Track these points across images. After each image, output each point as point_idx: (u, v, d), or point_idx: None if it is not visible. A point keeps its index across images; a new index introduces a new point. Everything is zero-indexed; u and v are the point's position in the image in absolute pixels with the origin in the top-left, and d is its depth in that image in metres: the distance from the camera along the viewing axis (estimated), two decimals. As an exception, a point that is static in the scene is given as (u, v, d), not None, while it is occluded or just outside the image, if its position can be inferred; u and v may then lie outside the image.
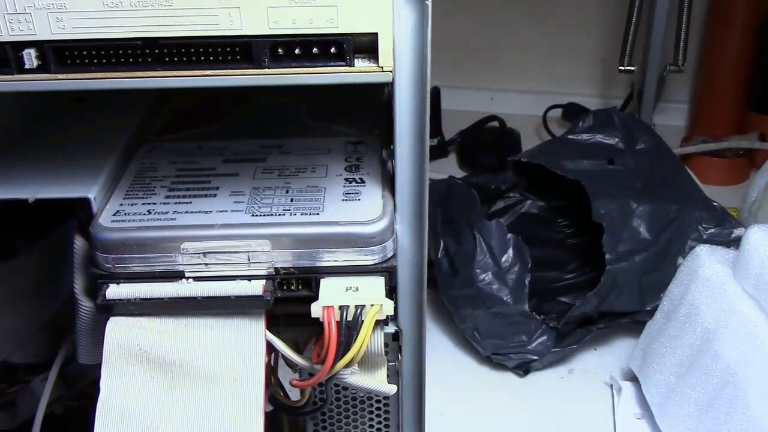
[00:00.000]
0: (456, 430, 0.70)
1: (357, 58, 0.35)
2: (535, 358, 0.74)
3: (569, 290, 0.82)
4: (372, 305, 0.38)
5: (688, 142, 1.10)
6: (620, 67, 1.04)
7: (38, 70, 0.34)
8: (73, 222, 0.42)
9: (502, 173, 0.90)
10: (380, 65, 0.35)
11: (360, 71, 0.35)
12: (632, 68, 1.03)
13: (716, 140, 1.08)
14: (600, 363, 0.77)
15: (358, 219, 0.39)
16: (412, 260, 0.42)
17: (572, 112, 1.19)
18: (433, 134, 1.14)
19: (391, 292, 0.41)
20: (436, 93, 1.14)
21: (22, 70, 0.34)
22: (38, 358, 0.56)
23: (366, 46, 0.34)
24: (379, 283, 0.40)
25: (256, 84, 0.35)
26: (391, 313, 0.39)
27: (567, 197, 0.88)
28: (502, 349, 0.74)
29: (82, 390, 0.58)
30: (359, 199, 0.41)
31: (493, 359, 0.75)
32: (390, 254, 0.40)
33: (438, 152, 1.15)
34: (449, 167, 1.10)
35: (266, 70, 0.35)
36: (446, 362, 0.77)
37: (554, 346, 0.74)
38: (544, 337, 0.73)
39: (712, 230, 0.75)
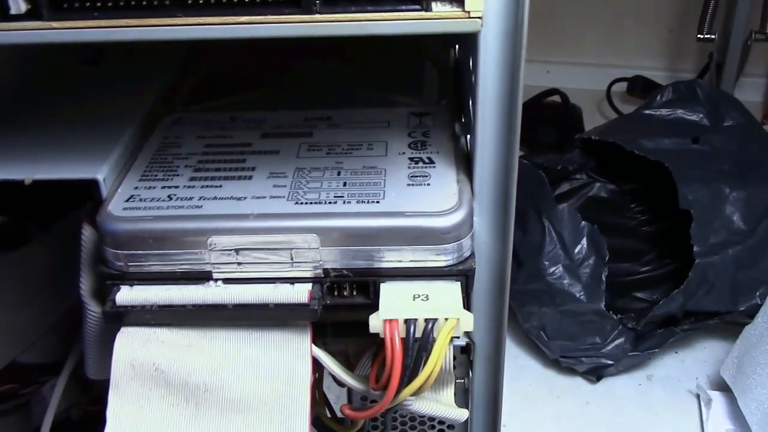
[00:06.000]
0: (520, 444, 0.63)
1: (435, 0, 0.27)
2: (610, 362, 0.67)
3: (645, 285, 0.74)
4: (446, 319, 0.31)
5: (768, 120, 1.01)
6: (698, 35, 0.94)
7: (27, 16, 0.28)
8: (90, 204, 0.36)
9: (567, 153, 0.81)
10: (466, 10, 0.27)
11: (439, 17, 0.27)
12: (712, 36, 0.93)
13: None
14: (682, 369, 0.70)
15: (429, 209, 0.32)
16: (493, 261, 0.34)
17: (639, 86, 1.10)
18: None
19: (467, 299, 0.33)
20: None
21: (6, 16, 0.28)
22: (53, 358, 0.51)
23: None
24: (454, 290, 0.32)
25: (304, 34, 0.28)
26: (470, 329, 0.31)
27: (641, 180, 0.79)
28: (573, 352, 0.67)
29: (100, 394, 0.54)
30: (428, 184, 0.34)
31: (562, 363, 0.69)
32: (467, 254, 0.33)
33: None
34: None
35: (317, 16, 0.27)
36: (507, 366, 0.70)
37: (632, 349, 0.67)
38: (621, 339, 0.66)
39: (818, 220, 0.66)
